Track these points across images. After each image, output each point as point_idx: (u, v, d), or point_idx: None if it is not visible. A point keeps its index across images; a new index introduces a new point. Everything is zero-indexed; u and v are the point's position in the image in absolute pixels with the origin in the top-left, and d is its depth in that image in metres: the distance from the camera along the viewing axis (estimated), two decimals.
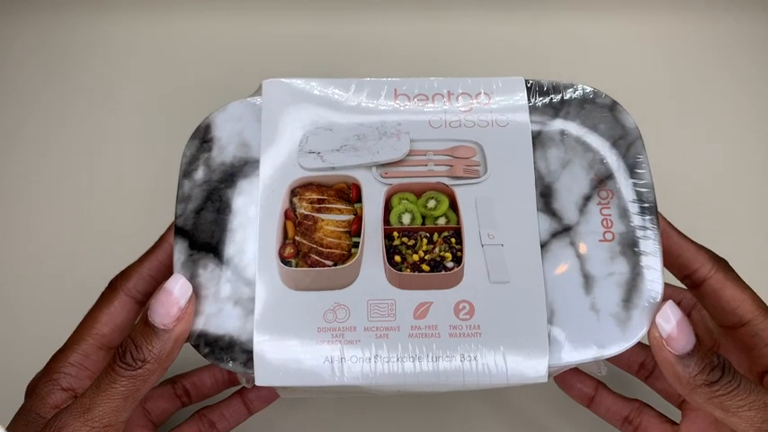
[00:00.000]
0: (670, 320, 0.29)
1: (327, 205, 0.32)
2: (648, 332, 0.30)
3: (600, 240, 0.31)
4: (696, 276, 0.33)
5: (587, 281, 0.31)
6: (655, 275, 0.31)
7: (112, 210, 0.46)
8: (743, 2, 0.47)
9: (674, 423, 0.35)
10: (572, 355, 0.30)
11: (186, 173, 0.33)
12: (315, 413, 0.42)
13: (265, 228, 0.31)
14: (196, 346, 0.31)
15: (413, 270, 0.31)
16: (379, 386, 0.30)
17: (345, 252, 0.31)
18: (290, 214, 0.32)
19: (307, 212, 0.32)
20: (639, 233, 0.31)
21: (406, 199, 0.32)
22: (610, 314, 0.30)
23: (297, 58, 0.46)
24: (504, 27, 0.48)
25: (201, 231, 0.32)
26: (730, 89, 0.48)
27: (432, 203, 0.32)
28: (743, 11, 0.47)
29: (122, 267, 0.34)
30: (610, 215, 0.32)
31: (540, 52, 0.47)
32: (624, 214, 0.31)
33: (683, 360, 0.29)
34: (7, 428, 0.31)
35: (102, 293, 0.34)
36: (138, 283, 0.33)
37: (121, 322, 0.33)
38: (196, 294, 0.31)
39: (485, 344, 0.30)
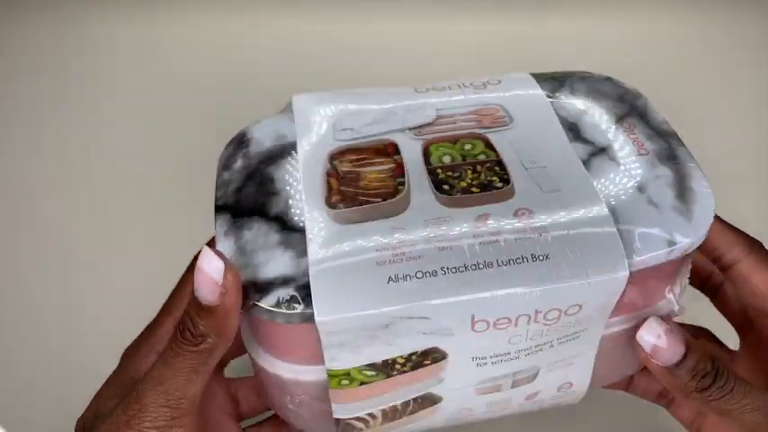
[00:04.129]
0: (653, 334, 0.30)
1: (368, 161, 0.32)
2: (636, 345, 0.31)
3: (638, 155, 0.32)
4: (725, 260, 0.33)
5: (636, 183, 0.31)
6: (700, 178, 0.31)
7: (114, 209, 0.45)
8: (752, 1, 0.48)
9: None
10: (646, 249, 0.29)
11: (225, 166, 0.33)
12: None
13: (310, 184, 0.31)
14: (246, 298, 0.28)
15: (463, 193, 0.30)
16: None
17: (392, 190, 0.31)
18: (332, 173, 0.32)
19: (349, 169, 0.32)
20: (671, 149, 0.32)
21: (443, 146, 0.33)
22: (671, 207, 0.30)
23: (300, 58, 0.47)
24: (507, 26, 0.48)
25: (243, 202, 0.31)
26: (739, 87, 0.48)
27: (468, 146, 0.33)
28: (753, 9, 0.48)
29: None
30: (638, 138, 0.33)
31: (544, 51, 0.48)
32: (651, 137, 0.33)
33: (671, 371, 0.30)
34: (101, 389, 0.31)
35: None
36: None
37: None
38: (244, 252, 0.29)
39: (554, 243, 0.28)
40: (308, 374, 0.30)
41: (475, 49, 0.46)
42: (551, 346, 0.31)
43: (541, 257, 0.28)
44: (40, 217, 0.45)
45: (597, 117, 0.34)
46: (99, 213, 0.45)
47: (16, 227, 0.45)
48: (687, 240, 0.29)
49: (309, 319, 0.27)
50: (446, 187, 0.31)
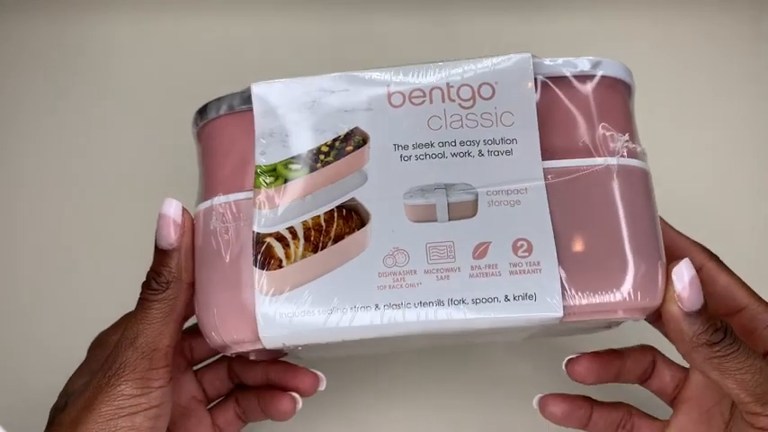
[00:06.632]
0: (683, 278, 0.31)
1: None
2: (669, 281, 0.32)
3: None
4: (693, 263, 0.34)
5: None
6: None
7: (113, 209, 0.45)
8: (740, 1, 0.49)
9: (661, 421, 0.37)
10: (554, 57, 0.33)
11: None
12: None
13: None
14: None
15: None
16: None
17: None
18: None
19: None
20: None
21: None
22: None
23: (294, 58, 0.48)
24: (500, 26, 0.49)
25: None
26: (728, 88, 0.49)
27: None
28: (741, 10, 0.49)
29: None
30: None
31: (539, 51, 0.48)
32: None
33: (689, 317, 0.31)
34: (70, 378, 0.34)
35: None
36: None
37: None
38: None
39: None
40: (238, 195, 0.32)
41: (470, 49, 0.47)
42: (480, 153, 0.30)
43: (451, 61, 0.30)
44: (38, 216, 0.46)
45: None
46: (97, 213, 0.46)
47: (16, 226, 0.46)
48: (594, 58, 0.32)
49: (247, 101, 0.31)
50: None
